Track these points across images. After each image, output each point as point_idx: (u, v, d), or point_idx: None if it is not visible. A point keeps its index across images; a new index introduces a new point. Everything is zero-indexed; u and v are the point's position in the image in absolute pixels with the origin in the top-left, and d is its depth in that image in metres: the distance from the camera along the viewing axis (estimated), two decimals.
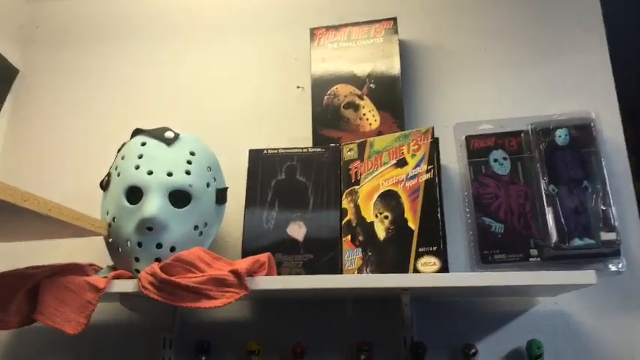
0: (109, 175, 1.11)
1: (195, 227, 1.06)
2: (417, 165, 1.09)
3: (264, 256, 1.00)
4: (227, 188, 1.15)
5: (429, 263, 1.01)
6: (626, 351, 1.06)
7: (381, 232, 1.09)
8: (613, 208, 1.09)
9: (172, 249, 1.02)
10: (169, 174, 1.04)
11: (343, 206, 1.14)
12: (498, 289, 0.99)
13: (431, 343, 1.08)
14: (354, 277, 1.03)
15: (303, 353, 1.10)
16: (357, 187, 1.14)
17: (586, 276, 0.86)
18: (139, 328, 1.19)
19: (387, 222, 1.09)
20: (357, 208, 1.13)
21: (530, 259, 1.11)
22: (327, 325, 1.15)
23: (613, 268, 1.08)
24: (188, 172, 1.05)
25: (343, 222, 1.13)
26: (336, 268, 1.08)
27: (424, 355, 1.06)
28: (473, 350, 1.06)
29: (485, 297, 1.12)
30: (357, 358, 1.09)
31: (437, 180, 1.06)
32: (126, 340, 1.21)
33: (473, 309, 1.12)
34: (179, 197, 1.04)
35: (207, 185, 1.09)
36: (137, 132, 1.12)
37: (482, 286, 0.90)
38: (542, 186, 1.13)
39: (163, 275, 0.91)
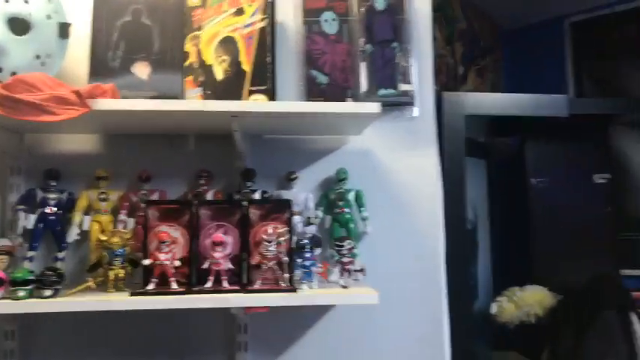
0: None
1: (37, 57, 1.11)
2: (253, 14, 1.22)
3: (107, 85, 1.10)
4: (70, 24, 1.19)
5: (257, 100, 1.18)
6: (410, 174, 1.38)
7: (219, 74, 1.23)
8: (413, 65, 1.34)
9: (13, 74, 1.07)
10: (7, 0, 1.05)
11: (186, 50, 1.25)
12: (313, 123, 1.20)
13: (260, 171, 1.30)
14: (187, 101, 1.18)
15: (149, 179, 1.26)
16: (199, 32, 1.25)
17: (372, 107, 1.10)
18: None
19: (224, 64, 1.23)
20: (198, 51, 1.25)
21: None
22: (172, 156, 1.31)
23: (408, 114, 1.35)
24: (26, 1, 1.08)
25: (185, 64, 1.25)
26: None
27: (253, 179, 1.28)
28: (294, 176, 1.30)
29: (306, 134, 1.34)
30: (197, 183, 1.27)
31: (269, 28, 1.21)
32: None
33: (297, 145, 1.35)
34: (19, 25, 1.07)
35: (48, 17, 1.12)
36: None
37: (287, 112, 1.10)
38: (360, 44, 1.34)
39: (5, 92, 0.98)
